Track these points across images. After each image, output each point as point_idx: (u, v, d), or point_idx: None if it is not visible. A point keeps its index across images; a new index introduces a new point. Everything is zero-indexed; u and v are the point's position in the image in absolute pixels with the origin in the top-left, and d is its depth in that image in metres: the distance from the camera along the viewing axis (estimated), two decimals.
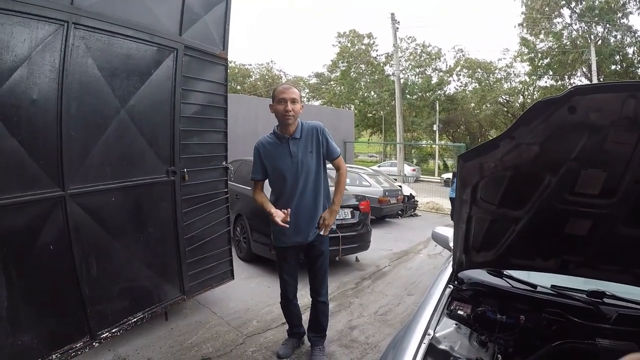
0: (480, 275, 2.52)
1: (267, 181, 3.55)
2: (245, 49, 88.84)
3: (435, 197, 16.44)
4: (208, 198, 4.52)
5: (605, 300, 2.17)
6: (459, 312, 2.21)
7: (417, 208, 13.82)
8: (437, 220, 11.83)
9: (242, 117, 14.20)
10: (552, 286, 2.34)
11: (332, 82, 44.86)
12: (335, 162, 3.56)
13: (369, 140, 45.12)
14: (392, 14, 25.06)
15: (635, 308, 2.14)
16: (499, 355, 1.94)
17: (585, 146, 1.58)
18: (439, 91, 39.15)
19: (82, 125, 3.19)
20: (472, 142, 35.84)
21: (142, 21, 3.58)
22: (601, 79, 28.30)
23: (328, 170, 3.63)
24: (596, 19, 28.81)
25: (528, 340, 2.07)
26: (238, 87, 41.80)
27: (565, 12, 31.20)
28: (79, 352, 3.26)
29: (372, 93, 41.70)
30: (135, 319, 3.76)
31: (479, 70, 39.03)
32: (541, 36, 32.98)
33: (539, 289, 2.35)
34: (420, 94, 39.23)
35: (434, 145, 37.76)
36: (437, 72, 40.65)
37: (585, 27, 30.20)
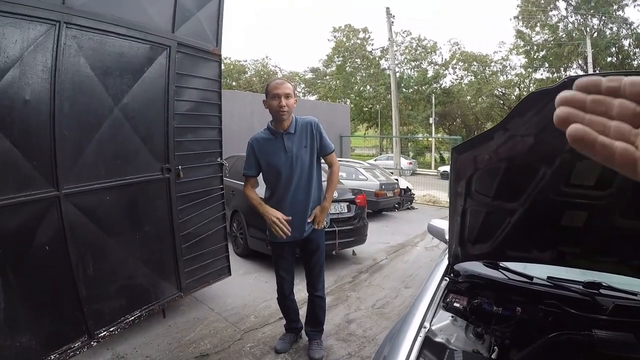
0: (476, 267, 2.53)
1: (261, 176, 3.54)
2: (242, 47, 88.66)
3: (432, 190, 16.45)
4: (203, 195, 4.52)
5: (602, 291, 2.17)
6: (455, 304, 2.21)
7: (413, 201, 13.81)
8: (434, 213, 11.84)
9: (238, 113, 14.19)
10: (549, 278, 2.35)
11: (327, 77, 44.70)
12: (328, 157, 3.57)
13: (365, 134, 45.08)
14: (387, 8, 25.00)
15: (631, 299, 2.15)
16: (495, 347, 1.95)
17: None
18: (435, 84, 39.07)
19: (75, 124, 3.18)
20: (468, 135, 35.81)
21: (135, 19, 3.56)
22: (597, 71, 28.33)
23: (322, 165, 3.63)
24: (592, 11, 28.89)
25: (524, 331, 2.07)
26: (233, 84, 41.68)
27: (561, 4, 31.37)
28: (78, 352, 3.26)
29: (368, 87, 41.59)
30: (132, 317, 3.76)
31: (474, 63, 38.96)
32: (537, 29, 33.15)
33: (535, 280, 2.35)
34: (416, 87, 39.17)
35: (430, 139, 37.73)
36: (432, 65, 40.62)
37: (581, 20, 30.32)
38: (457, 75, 40.72)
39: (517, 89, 37.03)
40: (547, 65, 33.50)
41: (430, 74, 39.40)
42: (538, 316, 2.14)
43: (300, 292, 4.09)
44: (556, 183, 1.80)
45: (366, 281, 6.02)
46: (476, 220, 2.15)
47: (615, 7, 28.82)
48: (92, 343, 3.38)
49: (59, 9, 2.97)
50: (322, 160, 3.59)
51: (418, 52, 40.70)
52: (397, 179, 13.17)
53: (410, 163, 28.94)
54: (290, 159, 3.36)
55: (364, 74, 42.42)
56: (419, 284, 5.08)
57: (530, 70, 34.87)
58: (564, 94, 0.48)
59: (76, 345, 3.25)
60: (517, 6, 32.98)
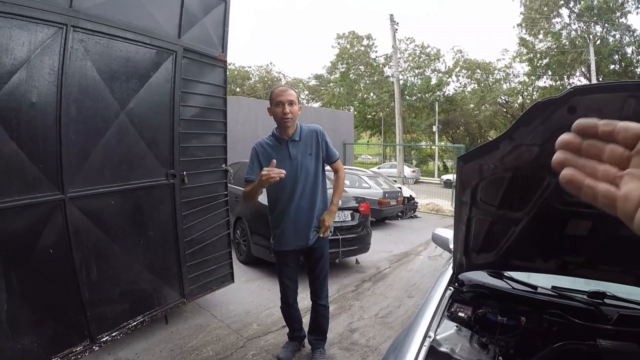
0: (481, 277, 2.52)
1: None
2: (244, 50, 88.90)
3: (435, 199, 16.43)
4: (208, 201, 4.52)
5: (606, 301, 2.17)
6: (460, 314, 2.21)
7: (417, 210, 13.79)
8: (437, 221, 11.83)
9: (242, 120, 14.22)
10: (553, 287, 2.35)
11: (331, 84, 44.83)
12: (334, 165, 3.58)
13: (368, 141, 45.10)
14: (391, 15, 25.05)
15: (636, 308, 2.14)
16: (500, 357, 1.94)
17: None
18: (438, 92, 39.13)
19: (81, 128, 3.20)
20: (472, 143, 35.85)
21: (141, 24, 3.59)
22: (600, 79, 28.36)
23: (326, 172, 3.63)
24: (595, 18, 28.90)
25: (529, 341, 2.07)
26: (237, 90, 41.79)
27: (564, 12, 31.35)
28: (79, 356, 3.26)
29: (372, 94, 41.67)
30: (135, 323, 3.75)
31: (478, 70, 38.99)
32: (540, 36, 33.09)
33: (539, 290, 2.35)
34: (419, 95, 39.22)
35: (433, 147, 37.67)
36: (436, 73, 40.69)
37: (584, 27, 30.29)
38: (460, 83, 40.80)
39: (521, 97, 37.00)
40: (550, 73, 33.48)
41: (433, 81, 39.47)
42: (542, 326, 2.13)
43: (304, 300, 4.08)
44: (561, 192, 1.79)
45: (369, 290, 6.00)
46: (481, 229, 2.15)
47: (618, 14, 28.84)
48: (94, 347, 3.38)
49: (66, 13, 3.00)
50: (327, 168, 3.59)
51: (421, 59, 40.81)
52: (400, 187, 13.14)
53: (414, 171, 28.92)
54: (295, 167, 3.36)
55: (367, 81, 42.52)
56: (422, 294, 5.07)
57: (534, 78, 34.84)
58: (563, 137, 0.52)
59: (78, 349, 3.25)
60: (521, 14, 33.06)
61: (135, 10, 3.56)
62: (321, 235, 3.50)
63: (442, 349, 1.91)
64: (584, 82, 28.61)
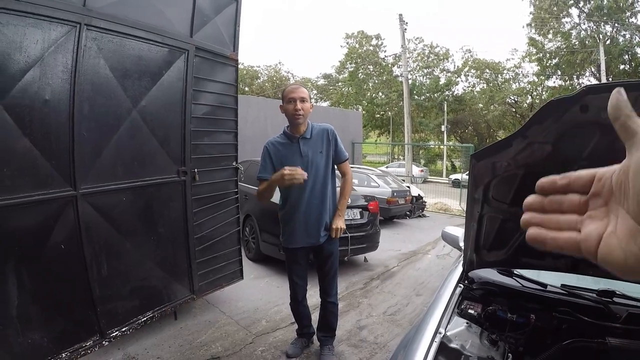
0: (491, 274, 2.53)
1: None
2: (253, 49, 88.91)
3: (443, 198, 16.41)
4: (218, 198, 4.54)
5: (615, 299, 2.16)
6: (470, 311, 2.21)
7: (425, 209, 13.78)
8: (446, 221, 11.80)
9: (251, 119, 14.24)
10: (562, 285, 2.34)
11: (340, 83, 44.83)
12: (342, 166, 3.60)
13: (376, 141, 45.06)
14: (400, 15, 25.00)
15: None
16: (509, 354, 1.95)
17: (597, 145, 1.57)
18: (447, 92, 39.07)
19: (94, 125, 3.22)
20: (480, 143, 35.72)
21: (154, 23, 3.61)
22: (610, 79, 28.14)
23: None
24: (605, 18, 28.70)
25: (538, 339, 2.07)
26: (246, 89, 41.85)
27: (574, 11, 31.18)
28: (89, 351, 3.29)
29: (380, 94, 41.65)
30: (144, 318, 3.78)
31: (487, 70, 38.87)
32: (549, 36, 32.92)
33: (549, 288, 2.35)
34: (428, 94, 39.15)
35: (442, 146, 37.60)
36: (445, 72, 40.59)
37: (594, 27, 30.10)
38: (469, 83, 40.70)
39: (530, 97, 36.86)
40: (559, 72, 33.31)
41: (442, 81, 39.39)
42: (552, 323, 2.13)
43: (312, 297, 4.09)
44: None
45: (378, 288, 6.01)
46: (492, 226, 2.15)
47: (628, 14, 28.64)
48: (103, 342, 3.41)
49: (79, 11, 3.02)
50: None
51: (430, 59, 40.72)
52: (408, 187, 13.13)
53: (422, 170, 28.88)
54: (306, 164, 3.37)
55: (376, 81, 42.51)
56: (430, 292, 5.08)
57: (543, 77, 34.69)
58: (527, 200, 0.56)
59: (88, 344, 3.28)
60: (530, 13, 32.91)
61: (147, 10, 3.58)
62: (333, 236, 3.53)
63: (453, 345, 1.92)
64: (594, 82, 28.41)
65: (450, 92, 39.51)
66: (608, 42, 29.13)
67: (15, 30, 2.67)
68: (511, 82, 38.40)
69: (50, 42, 2.87)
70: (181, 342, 4.11)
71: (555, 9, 31.03)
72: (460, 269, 2.59)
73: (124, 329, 3.58)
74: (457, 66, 40.33)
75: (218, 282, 4.66)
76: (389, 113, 41.51)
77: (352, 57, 42.75)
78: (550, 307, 2.18)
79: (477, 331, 2.08)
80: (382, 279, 6.43)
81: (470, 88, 40.42)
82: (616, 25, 28.98)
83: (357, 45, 42.95)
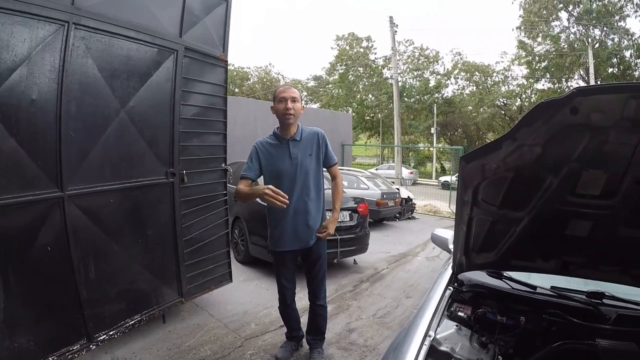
0: (480, 277, 2.53)
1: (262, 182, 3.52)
2: (244, 50, 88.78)
3: (432, 200, 16.46)
4: (207, 200, 4.52)
5: (605, 301, 2.18)
6: (460, 313, 2.22)
7: (414, 211, 13.81)
8: (435, 223, 11.84)
9: (241, 120, 14.21)
10: (552, 287, 2.36)
11: (330, 85, 44.90)
12: (331, 169, 3.61)
13: (366, 143, 45.15)
14: (391, 17, 25.11)
15: (634, 308, 2.16)
16: (499, 357, 1.95)
17: (587, 147, 1.58)
18: (437, 94, 39.21)
19: (81, 125, 3.19)
20: (470, 145, 35.94)
21: (143, 22, 3.59)
22: (599, 82, 28.40)
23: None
24: (594, 22, 29.03)
25: (528, 341, 2.08)
26: (236, 90, 41.77)
27: (563, 15, 31.52)
28: (76, 355, 3.25)
29: (370, 96, 41.78)
30: (132, 322, 3.75)
31: (476, 73, 39.12)
32: (539, 39, 33.25)
33: (538, 290, 2.36)
34: (418, 97, 39.30)
35: (431, 148, 37.76)
36: (434, 75, 40.78)
37: (583, 30, 30.42)
38: (458, 85, 40.95)
39: (519, 100, 37.13)
40: (548, 75, 33.61)
41: (432, 83, 39.56)
42: (542, 326, 2.14)
43: (302, 300, 4.07)
44: (562, 192, 1.81)
45: (367, 290, 6.00)
46: (481, 229, 2.16)
47: (616, 17, 28.99)
48: (91, 346, 3.37)
49: (68, 10, 3.00)
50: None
51: (420, 61, 40.88)
52: (398, 189, 13.16)
53: (412, 173, 28.98)
54: (295, 166, 3.36)
55: (366, 83, 42.64)
56: (420, 294, 5.08)
57: (532, 80, 34.99)
58: None
59: (75, 348, 3.24)
60: (520, 17, 33.18)
61: (137, 9, 3.56)
62: (320, 236, 3.52)
63: (442, 348, 1.92)
64: (583, 84, 28.68)
65: (440, 95, 39.68)
66: (597, 45, 29.44)
67: (2, 29, 2.64)
68: (500, 84, 38.69)
69: (38, 41, 2.84)
70: (169, 345, 4.07)
71: (544, 12, 31.32)
72: (449, 271, 2.59)
73: (111, 333, 3.55)
74: (447, 69, 40.58)
75: (207, 284, 4.63)
76: (379, 115, 41.63)
77: (343, 59, 42.83)
78: (540, 309, 2.19)
79: (467, 334, 2.08)
80: (371, 282, 6.42)
81: (459, 90, 40.71)
82: (605, 29, 29.31)
83: (347, 47, 43.05)
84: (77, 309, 3.27)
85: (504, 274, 2.48)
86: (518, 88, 37.06)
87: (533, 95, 35.38)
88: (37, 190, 2.92)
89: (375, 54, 42.41)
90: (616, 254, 2.04)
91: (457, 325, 2.12)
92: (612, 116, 1.45)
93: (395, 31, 25.44)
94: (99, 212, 3.42)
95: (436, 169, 36.20)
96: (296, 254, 3.60)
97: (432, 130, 35.98)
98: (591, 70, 27.83)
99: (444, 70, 40.65)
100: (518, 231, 2.07)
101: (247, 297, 5.42)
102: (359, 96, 42.84)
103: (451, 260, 2.59)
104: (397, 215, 12.52)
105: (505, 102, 38.42)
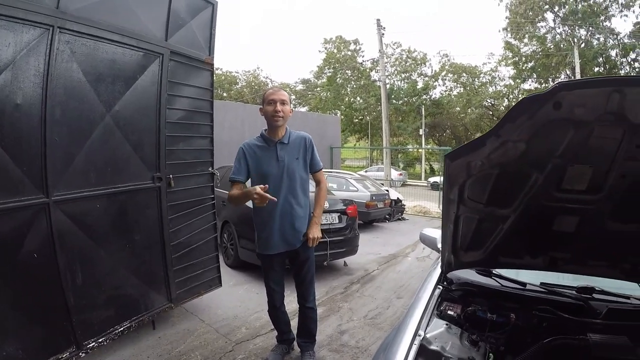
0: (470, 275, 2.54)
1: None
2: (232, 54, 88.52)
3: (422, 201, 16.52)
4: (194, 204, 4.49)
5: (595, 295, 2.19)
6: (449, 312, 2.22)
7: (404, 212, 13.85)
8: (425, 223, 11.85)
9: (229, 124, 14.17)
10: (542, 284, 2.36)
11: (318, 88, 44.97)
12: (316, 175, 3.62)
13: (355, 145, 45.22)
14: (378, 20, 25.25)
15: (624, 302, 2.17)
16: (490, 354, 1.95)
17: (571, 142, 1.58)
18: (425, 96, 39.39)
19: (66, 130, 3.16)
20: (458, 146, 36.04)
21: (128, 26, 3.56)
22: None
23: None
24: (579, 22, 29.36)
25: (519, 337, 2.08)
26: (224, 94, 41.71)
27: (549, 16, 31.91)
28: None
29: (359, 98, 41.88)
30: (122, 328, 3.71)
31: (464, 74, 39.38)
32: (525, 40, 33.64)
33: (528, 286, 2.36)
34: (406, 98, 39.44)
35: (420, 150, 37.92)
36: (422, 77, 40.98)
37: (569, 31, 30.77)
38: (446, 87, 41.20)
39: (506, 100, 37.40)
40: (535, 76, 33.99)
41: (420, 85, 39.73)
42: (532, 322, 2.15)
43: (292, 303, 4.06)
44: (548, 188, 1.81)
45: (358, 292, 5.99)
46: (469, 227, 2.16)
47: (602, 17, 29.42)
48: (80, 354, 3.33)
49: (53, 14, 2.97)
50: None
51: (408, 63, 41.05)
52: (387, 190, 13.18)
53: (401, 174, 29.09)
54: (282, 168, 3.36)
55: (354, 86, 42.73)
56: (410, 294, 5.08)
57: (519, 81, 35.33)
58: None
59: (64, 356, 3.20)
60: (506, 18, 33.49)
61: (122, 13, 3.54)
62: (310, 245, 3.53)
63: (433, 347, 1.92)
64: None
65: (428, 96, 39.87)
66: (582, 45, 29.80)
67: None
68: (488, 85, 38.97)
69: (23, 45, 2.81)
70: (160, 351, 4.03)
71: (530, 13, 31.64)
72: (438, 270, 2.59)
73: (100, 340, 3.51)
74: (435, 70, 40.79)
75: (196, 289, 4.60)
76: (368, 117, 41.73)
77: (331, 62, 42.92)
78: (530, 306, 2.20)
79: (457, 332, 2.08)
80: (362, 283, 6.42)
81: (447, 92, 40.94)
82: (590, 29, 29.66)
83: (335, 50, 43.13)
84: (65, 316, 3.23)
85: (493, 272, 2.49)
86: (505, 89, 37.40)
87: (520, 96, 35.60)
88: (22, 196, 2.89)
89: (363, 56, 42.60)
90: (604, 248, 2.05)
91: (447, 324, 2.12)
92: (595, 110, 1.45)
93: (383, 34, 25.60)
94: (85, 217, 3.38)
95: (425, 170, 36.34)
96: (283, 256, 3.59)
97: (421, 131, 36.16)
98: (577, 70, 28.18)
99: (432, 72, 40.91)
100: (505, 228, 2.07)
101: (237, 301, 5.40)
102: (347, 99, 42.94)
103: (440, 260, 2.59)
104: (387, 216, 12.55)
105: (492, 102, 38.68)
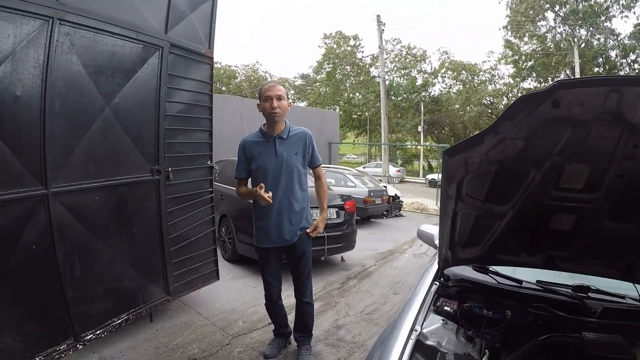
0: (466, 271, 2.55)
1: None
2: (231, 48, 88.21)
3: (420, 198, 16.52)
4: (193, 197, 4.49)
5: (590, 294, 2.20)
6: (446, 308, 2.23)
7: (402, 208, 13.86)
8: (422, 220, 11.85)
9: (228, 118, 14.13)
10: (538, 281, 2.38)
11: (317, 84, 44.87)
12: (316, 170, 3.66)
13: (354, 141, 45.18)
14: (378, 16, 25.11)
15: (619, 302, 2.18)
16: (486, 350, 1.96)
17: (569, 140, 1.59)
18: (424, 93, 39.38)
19: (65, 122, 3.15)
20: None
21: (128, 18, 3.55)
22: None
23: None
24: (580, 22, 29.30)
25: (515, 334, 2.09)
26: (223, 88, 41.60)
27: (550, 15, 31.81)
28: (63, 355, 3.21)
29: (357, 94, 41.80)
30: (119, 321, 3.72)
31: (463, 72, 39.35)
32: (525, 39, 33.54)
33: (524, 284, 2.38)
34: (405, 95, 39.42)
35: (418, 147, 37.89)
36: (422, 73, 40.96)
37: (569, 30, 30.71)
38: (446, 84, 41.19)
39: (505, 98, 37.34)
40: (535, 75, 33.98)
41: (419, 82, 39.70)
42: (528, 319, 2.16)
43: (289, 297, 4.07)
44: (546, 186, 1.82)
45: (355, 287, 6.01)
46: (466, 223, 2.16)
47: (602, 18, 29.38)
48: (78, 346, 3.34)
49: (52, 5, 2.95)
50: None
51: (407, 60, 41.01)
52: (385, 187, 13.19)
53: (399, 171, 29.03)
54: (280, 163, 3.37)
55: (353, 81, 42.65)
56: (407, 290, 5.09)
57: (519, 79, 35.29)
58: None
59: (62, 347, 3.20)
60: (506, 16, 33.42)
61: (122, 5, 3.52)
62: (309, 233, 3.57)
63: (429, 342, 1.93)
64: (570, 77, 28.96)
65: (427, 93, 39.88)
66: (582, 45, 29.76)
67: None
68: (487, 83, 38.98)
69: (22, 37, 2.80)
70: (157, 344, 4.04)
71: (531, 12, 31.57)
72: (435, 266, 2.61)
73: (98, 332, 3.52)
74: (434, 67, 40.76)
75: (194, 282, 4.61)
76: (366, 113, 41.65)
77: (330, 58, 42.81)
78: (526, 303, 2.21)
79: (454, 328, 2.10)
80: (359, 278, 6.44)
81: (446, 89, 40.93)
82: (591, 29, 29.61)
83: (334, 46, 43.02)
84: (63, 309, 3.23)
85: (490, 269, 2.50)
86: (504, 87, 37.38)
87: (519, 94, 35.56)
88: (21, 187, 2.88)
89: (363, 52, 42.50)
90: (600, 247, 2.06)
91: (443, 320, 2.13)
92: (593, 109, 1.46)
93: (383, 30, 25.47)
94: (84, 210, 3.38)
95: (423, 167, 36.29)
96: (280, 250, 3.61)
97: (419, 128, 36.17)
98: (577, 70, 28.16)
99: (431, 68, 40.88)
100: (502, 225, 2.08)
101: (234, 295, 5.41)
102: (346, 94, 42.87)
103: (437, 256, 2.60)
104: (385, 212, 12.57)
105: (491, 100, 38.64)
